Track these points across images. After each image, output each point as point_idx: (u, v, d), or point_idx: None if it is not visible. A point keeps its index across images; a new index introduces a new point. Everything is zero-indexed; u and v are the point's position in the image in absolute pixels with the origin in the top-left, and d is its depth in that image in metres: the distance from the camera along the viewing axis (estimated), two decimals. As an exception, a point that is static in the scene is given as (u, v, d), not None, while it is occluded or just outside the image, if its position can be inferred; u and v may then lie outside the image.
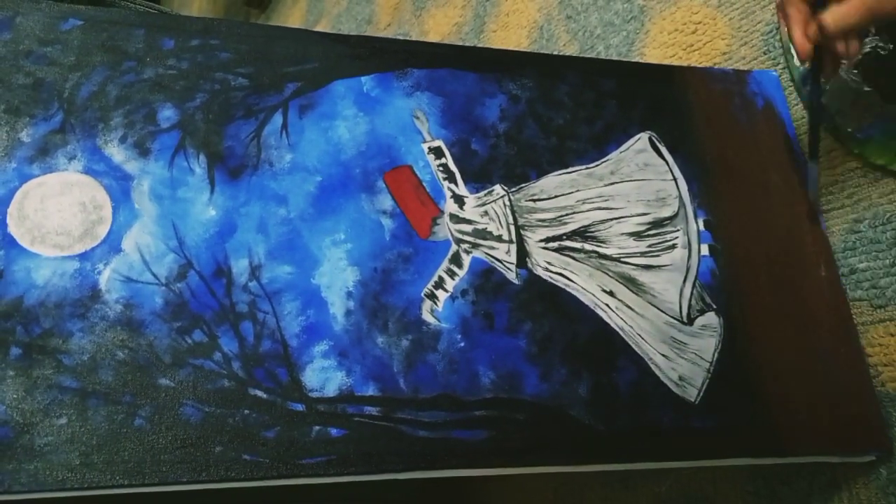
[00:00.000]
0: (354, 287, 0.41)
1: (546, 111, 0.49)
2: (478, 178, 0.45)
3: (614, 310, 0.44)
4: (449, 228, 0.44)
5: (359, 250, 0.42)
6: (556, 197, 0.47)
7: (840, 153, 0.52)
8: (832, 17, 0.39)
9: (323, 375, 0.38)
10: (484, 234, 0.44)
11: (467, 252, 0.43)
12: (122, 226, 0.39)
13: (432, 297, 0.42)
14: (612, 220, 0.47)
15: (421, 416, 0.38)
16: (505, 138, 0.47)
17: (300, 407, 0.37)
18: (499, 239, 0.44)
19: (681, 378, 0.43)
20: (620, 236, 0.46)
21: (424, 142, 0.46)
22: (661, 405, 0.42)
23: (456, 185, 0.45)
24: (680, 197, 0.49)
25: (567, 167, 0.47)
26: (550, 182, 0.47)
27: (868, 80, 0.49)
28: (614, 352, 0.43)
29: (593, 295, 0.44)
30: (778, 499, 0.52)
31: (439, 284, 0.42)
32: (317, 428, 0.37)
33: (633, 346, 0.43)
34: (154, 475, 0.34)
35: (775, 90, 0.55)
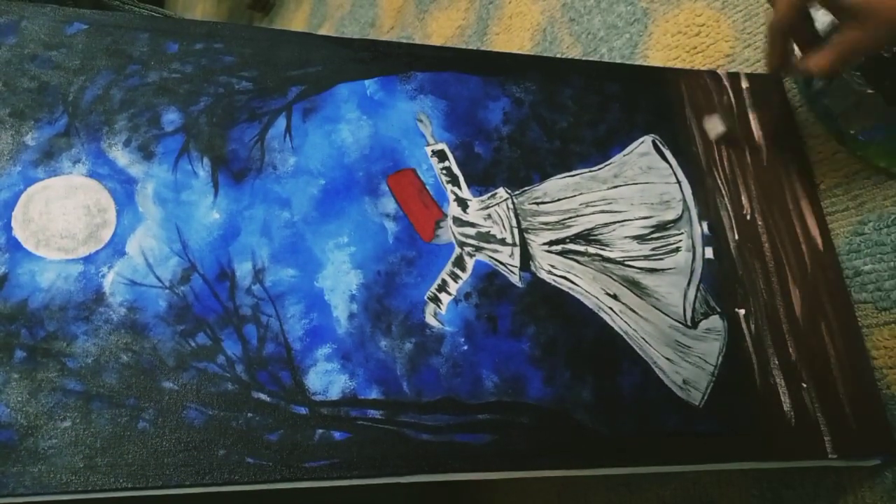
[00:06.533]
0: (358, 290, 0.41)
1: (549, 114, 0.49)
2: (481, 182, 0.45)
3: (618, 313, 0.44)
4: (452, 231, 0.44)
5: (362, 253, 0.42)
6: (559, 200, 0.46)
7: (844, 156, 0.52)
8: (814, 64, 0.43)
9: (326, 379, 0.38)
10: (487, 237, 0.44)
11: (470, 255, 0.43)
12: (126, 229, 0.39)
13: (435, 300, 0.42)
14: (615, 223, 0.47)
15: (424, 420, 0.38)
16: (508, 141, 0.47)
17: (303, 410, 0.37)
18: (502, 242, 0.44)
19: (685, 381, 0.43)
20: (624, 239, 0.46)
21: (428, 145, 0.46)
22: (665, 409, 0.42)
23: (459, 188, 0.45)
24: (684, 200, 0.48)
25: (570, 170, 0.47)
26: (554, 185, 0.47)
27: (871, 83, 0.49)
28: (618, 355, 0.43)
29: (597, 298, 0.44)
30: (783, 502, 0.51)
31: (442, 287, 0.42)
32: (320, 431, 0.37)
33: (637, 349, 0.43)
34: (157, 478, 0.34)
35: (779, 93, 0.55)
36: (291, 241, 0.41)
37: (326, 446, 0.37)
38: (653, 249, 0.46)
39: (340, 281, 0.41)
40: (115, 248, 0.38)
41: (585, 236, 0.46)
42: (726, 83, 0.54)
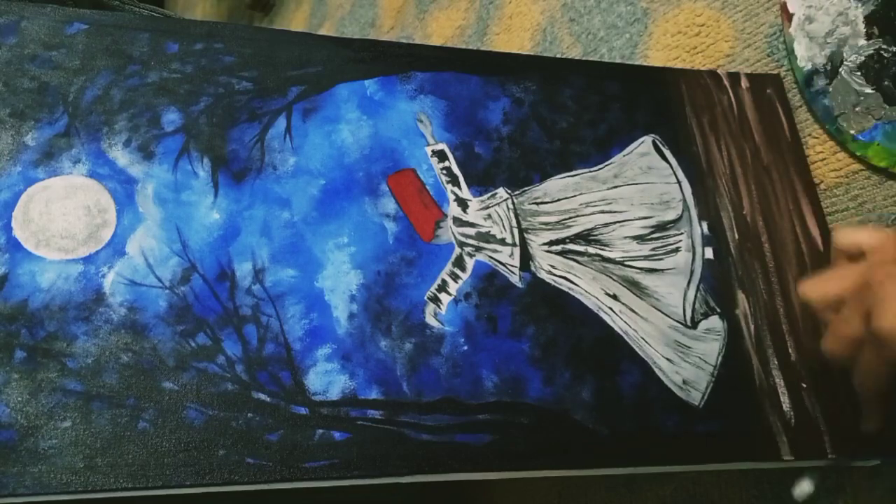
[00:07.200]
0: (358, 290, 0.41)
1: (549, 114, 0.49)
2: (481, 182, 0.45)
3: (618, 313, 0.44)
4: (452, 232, 0.44)
5: (362, 254, 0.42)
6: (559, 200, 0.47)
7: (844, 156, 0.52)
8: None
9: (326, 379, 0.38)
10: (487, 238, 0.44)
11: (470, 255, 0.43)
12: (127, 229, 0.39)
13: (435, 300, 0.42)
14: (615, 223, 0.47)
15: (424, 420, 0.38)
16: (508, 141, 0.47)
17: (303, 410, 0.37)
18: (502, 242, 0.44)
19: (685, 382, 0.43)
20: (624, 240, 0.46)
21: (428, 145, 0.46)
22: (665, 409, 0.42)
23: (459, 188, 0.45)
24: (684, 200, 0.48)
25: (570, 170, 0.47)
26: (554, 185, 0.47)
27: (871, 83, 0.49)
28: (618, 355, 0.43)
29: (597, 298, 0.44)
30: (783, 502, 0.51)
31: (442, 288, 0.42)
32: (320, 431, 0.37)
33: (637, 349, 0.43)
34: (157, 478, 0.34)
35: (779, 92, 0.55)
36: (291, 241, 0.41)
37: (326, 446, 0.37)
38: (653, 249, 0.46)
39: (340, 281, 0.41)
40: (116, 248, 0.38)
41: (585, 236, 0.46)
42: (726, 83, 0.54)
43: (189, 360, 0.37)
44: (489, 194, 0.45)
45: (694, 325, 0.45)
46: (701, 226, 0.48)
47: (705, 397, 0.43)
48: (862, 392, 0.39)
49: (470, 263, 0.43)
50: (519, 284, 0.43)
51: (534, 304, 0.43)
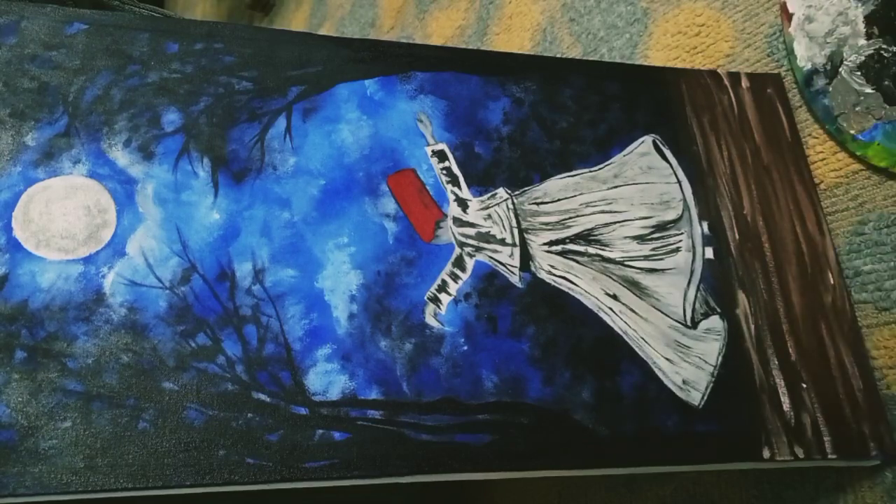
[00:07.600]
0: (358, 290, 0.41)
1: (549, 114, 0.49)
2: (481, 182, 0.46)
3: (618, 313, 0.44)
4: (452, 232, 0.44)
5: (362, 254, 0.42)
6: (559, 200, 0.47)
7: (844, 156, 0.52)
8: None
9: (326, 379, 0.38)
10: (487, 238, 0.44)
11: (470, 255, 0.43)
12: (127, 229, 0.39)
13: (435, 300, 0.42)
14: (615, 223, 0.47)
15: (424, 420, 0.38)
16: (508, 141, 0.47)
17: (303, 411, 0.37)
18: (502, 242, 0.44)
19: (685, 382, 0.43)
20: (624, 240, 0.46)
21: (428, 145, 0.46)
22: (665, 409, 0.42)
23: (459, 188, 0.45)
24: (684, 200, 0.48)
25: (570, 170, 0.47)
26: (554, 185, 0.47)
27: (871, 83, 0.49)
28: (618, 356, 0.43)
29: (597, 298, 0.44)
30: (783, 502, 0.51)
31: (442, 288, 0.42)
32: (320, 431, 0.37)
33: (637, 349, 0.43)
34: (157, 478, 0.34)
35: (779, 92, 0.55)
36: (291, 241, 0.41)
37: (326, 446, 0.37)
38: (653, 249, 0.46)
39: (340, 281, 0.41)
40: (116, 248, 0.38)
41: (585, 236, 0.46)
42: (727, 83, 0.54)
43: (189, 361, 0.37)
44: (489, 194, 0.45)
45: (694, 325, 0.45)
46: (701, 226, 0.48)
47: (705, 397, 0.43)
48: None
49: (470, 264, 0.43)
50: (519, 284, 0.43)
51: (534, 305, 0.43)
